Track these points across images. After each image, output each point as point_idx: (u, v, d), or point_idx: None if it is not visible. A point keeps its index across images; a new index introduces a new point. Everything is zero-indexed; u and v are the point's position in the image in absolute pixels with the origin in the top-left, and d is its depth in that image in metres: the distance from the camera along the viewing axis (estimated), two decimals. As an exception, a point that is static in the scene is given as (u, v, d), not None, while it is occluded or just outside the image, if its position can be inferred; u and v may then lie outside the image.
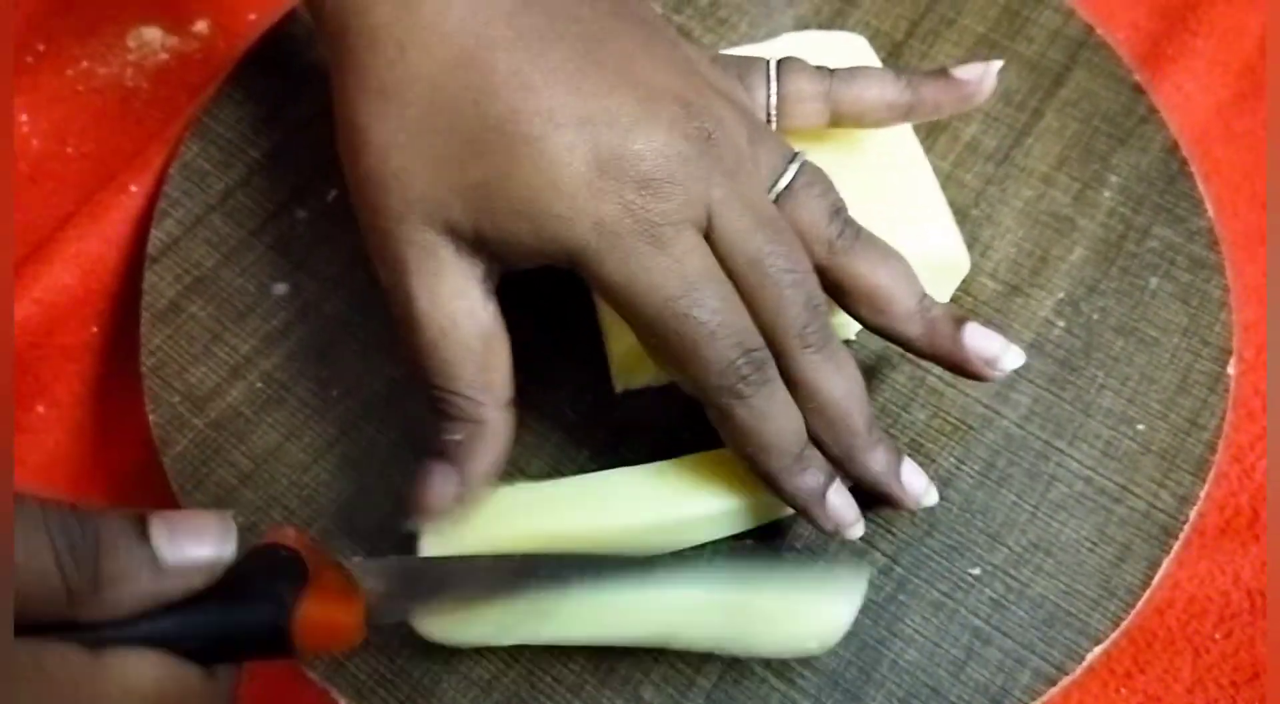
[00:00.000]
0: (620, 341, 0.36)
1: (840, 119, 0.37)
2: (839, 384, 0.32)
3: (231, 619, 0.25)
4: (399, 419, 0.38)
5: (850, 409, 0.32)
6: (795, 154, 0.33)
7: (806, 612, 0.31)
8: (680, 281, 0.30)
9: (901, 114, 0.37)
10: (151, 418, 0.38)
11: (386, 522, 0.36)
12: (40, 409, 0.42)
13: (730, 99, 0.33)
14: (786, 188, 0.32)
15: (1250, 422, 0.42)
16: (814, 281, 0.32)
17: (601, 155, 0.29)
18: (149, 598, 0.23)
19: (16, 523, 0.21)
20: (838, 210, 0.33)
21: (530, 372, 0.39)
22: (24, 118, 0.49)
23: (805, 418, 0.32)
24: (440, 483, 0.32)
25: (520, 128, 0.29)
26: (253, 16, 0.52)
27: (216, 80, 0.46)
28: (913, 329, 0.33)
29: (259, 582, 0.25)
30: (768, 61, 0.36)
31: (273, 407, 0.38)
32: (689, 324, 0.30)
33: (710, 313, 0.30)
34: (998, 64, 0.37)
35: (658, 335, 0.30)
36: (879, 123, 0.37)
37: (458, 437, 0.32)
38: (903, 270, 0.33)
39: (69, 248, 0.43)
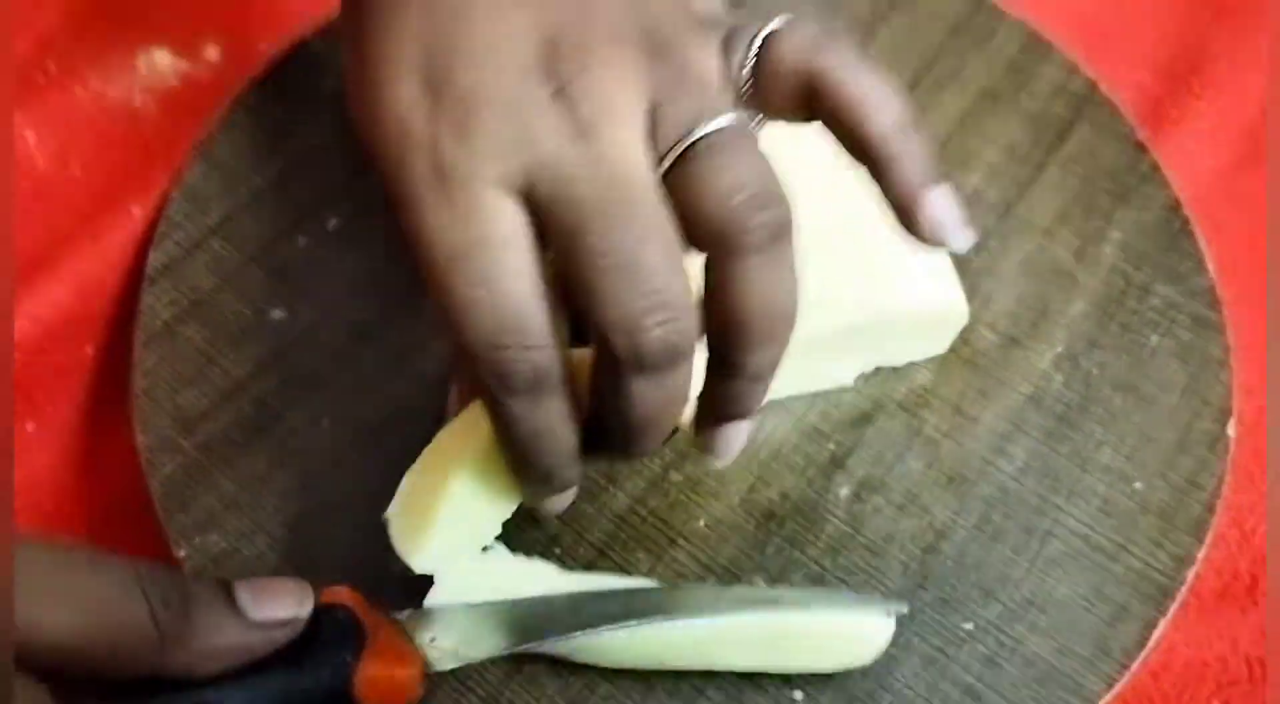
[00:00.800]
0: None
1: (816, 109, 0.31)
2: (659, 407, 0.28)
3: (298, 685, 0.26)
4: (390, 452, 0.37)
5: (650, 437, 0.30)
6: (724, 113, 0.27)
7: (850, 626, 0.32)
8: (451, 243, 0.26)
9: (876, 139, 0.30)
10: (140, 439, 0.38)
11: (373, 556, 0.35)
12: (30, 427, 0.41)
13: (660, 52, 0.28)
14: (684, 153, 0.27)
15: (1249, 485, 0.42)
16: (676, 285, 0.26)
17: (437, 70, 0.27)
18: (237, 651, 0.25)
19: (108, 577, 0.23)
20: (754, 190, 0.27)
21: (524, 407, 0.39)
22: (30, 135, 0.49)
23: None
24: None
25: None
26: (264, 46, 0.52)
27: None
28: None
29: (320, 645, 0.27)
30: (761, 25, 0.30)
31: (263, 433, 0.38)
32: (447, 294, 0.26)
33: (472, 286, 0.26)
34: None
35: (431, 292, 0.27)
36: (851, 132, 0.31)
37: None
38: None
39: (67, 267, 0.43)
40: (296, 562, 0.35)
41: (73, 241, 0.44)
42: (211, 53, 0.52)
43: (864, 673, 0.34)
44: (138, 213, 0.44)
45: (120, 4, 0.53)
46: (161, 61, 0.51)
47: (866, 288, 0.37)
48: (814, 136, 0.40)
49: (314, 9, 0.53)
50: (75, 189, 0.47)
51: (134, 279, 0.43)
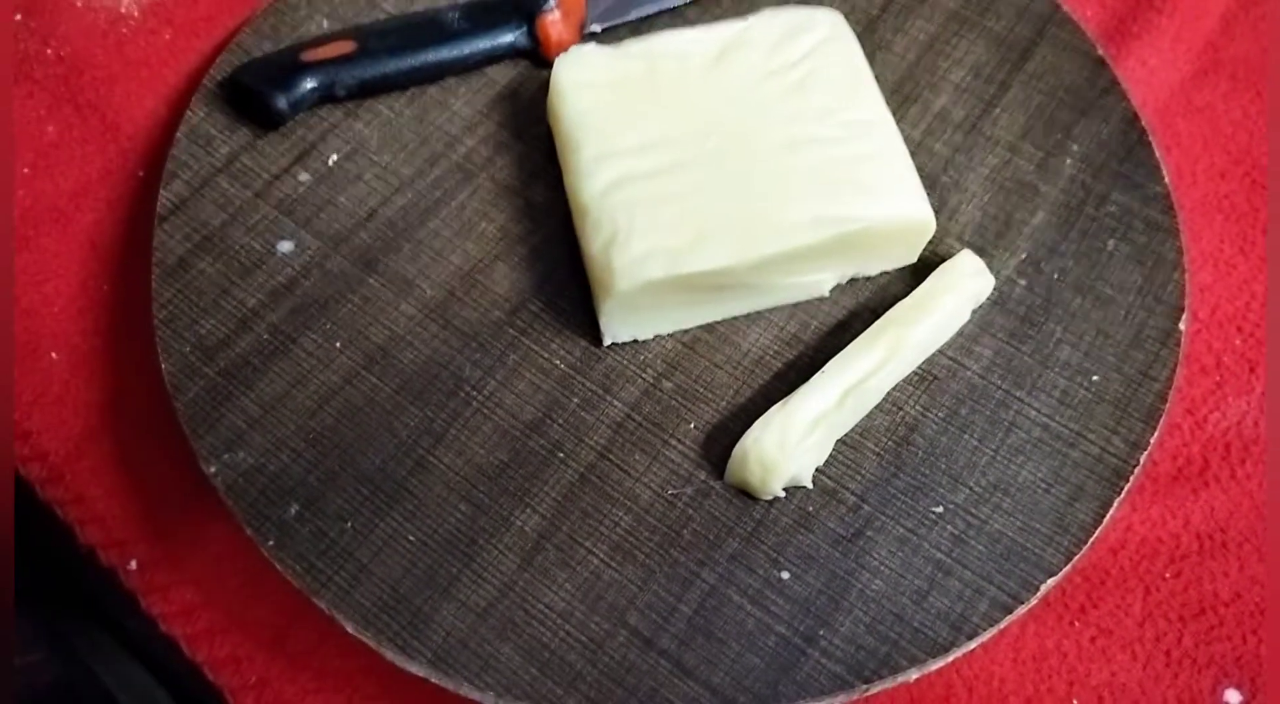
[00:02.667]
0: (607, 292, 0.38)
1: None
2: None
3: None
4: (398, 369, 0.40)
5: None
6: None
7: None
8: None
9: None
10: (164, 366, 0.40)
11: (388, 464, 0.38)
12: (53, 355, 0.44)
13: None
14: None
15: (1204, 377, 0.45)
16: None
17: None
18: None
19: None
20: None
21: (523, 326, 0.41)
22: (19, 17, 0.50)
23: None
24: None
25: None
26: None
27: (204, 22, 0.48)
28: None
29: None
30: None
31: (279, 357, 0.40)
32: None
33: None
34: None
35: None
36: None
37: None
38: None
39: (81, 216, 0.45)
40: (318, 475, 0.38)
41: (81, 189, 0.46)
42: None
43: (843, 552, 0.37)
44: (127, 145, 0.46)
45: None
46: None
47: (838, 204, 0.39)
48: (782, 64, 0.42)
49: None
50: (51, 72, 0.49)
51: (142, 220, 0.45)
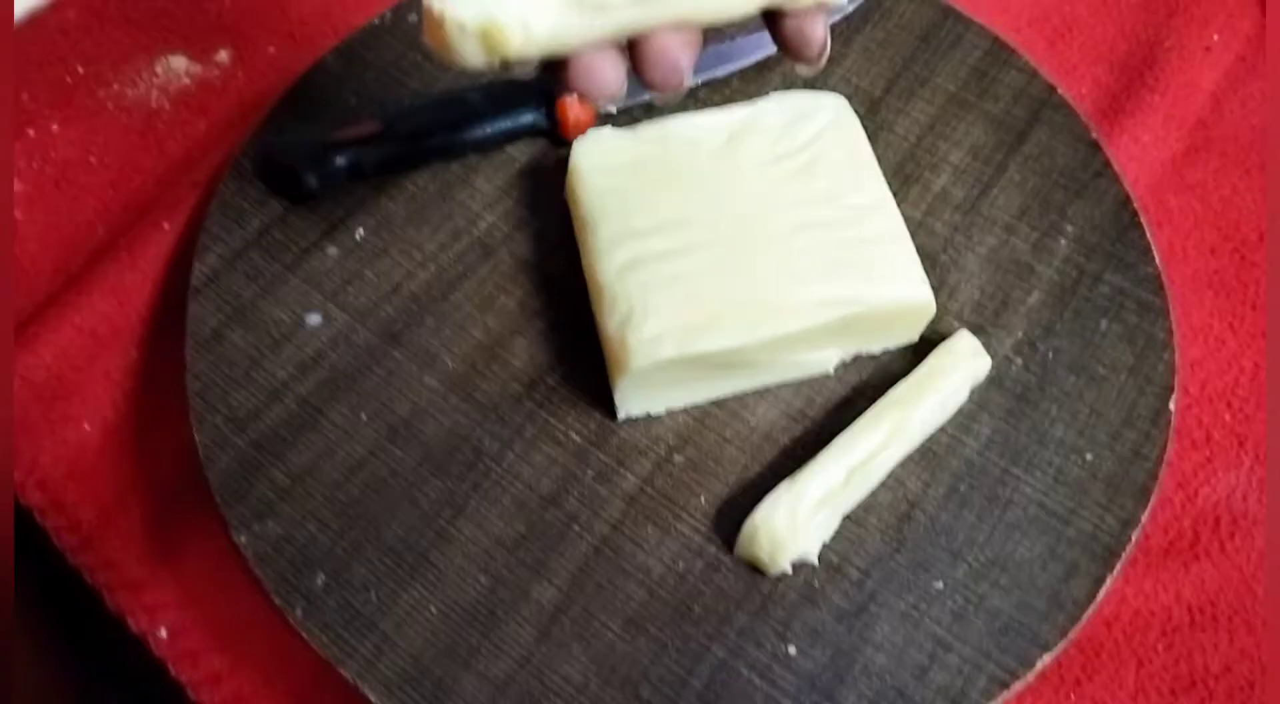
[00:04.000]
0: (621, 370, 0.40)
1: None
2: None
3: None
4: (421, 441, 0.42)
5: None
6: None
7: None
8: None
9: None
10: (198, 437, 0.42)
11: (411, 536, 0.40)
12: (86, 426, 0.45)
13: None
14: None
15: (1194, 451, 0.46)
16: None
17: None
18: None
19: None
20: None
21: (540, 399, 0.43)
22: (55, 128, 0.54)
23: None
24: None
25: None
26: (272, 50, 0.56)
27: (237, 108, 0.51)
28: None
29: None
30: None
31: (307, 428, 0.42)
32: None
33: None
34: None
35: None
36: None
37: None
38: None
39: (108, 280, 0.47)
40: (344, 546, 0.40)
41: (111, 255, 0.48)
42: (222, 55, 0.56)
43: (848, 628, 0.38)
44: (169, 228, 0.48)
45: (139, 10, 0.57)
46: (177, 65, 0.56)
47: (843, 287, 0.41)
48: (789, 148, 0.44)
49: (318, 12, 0.57)
50: (95, 178, 0.52)
51: (171, 289, 0.47)
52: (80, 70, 0.56)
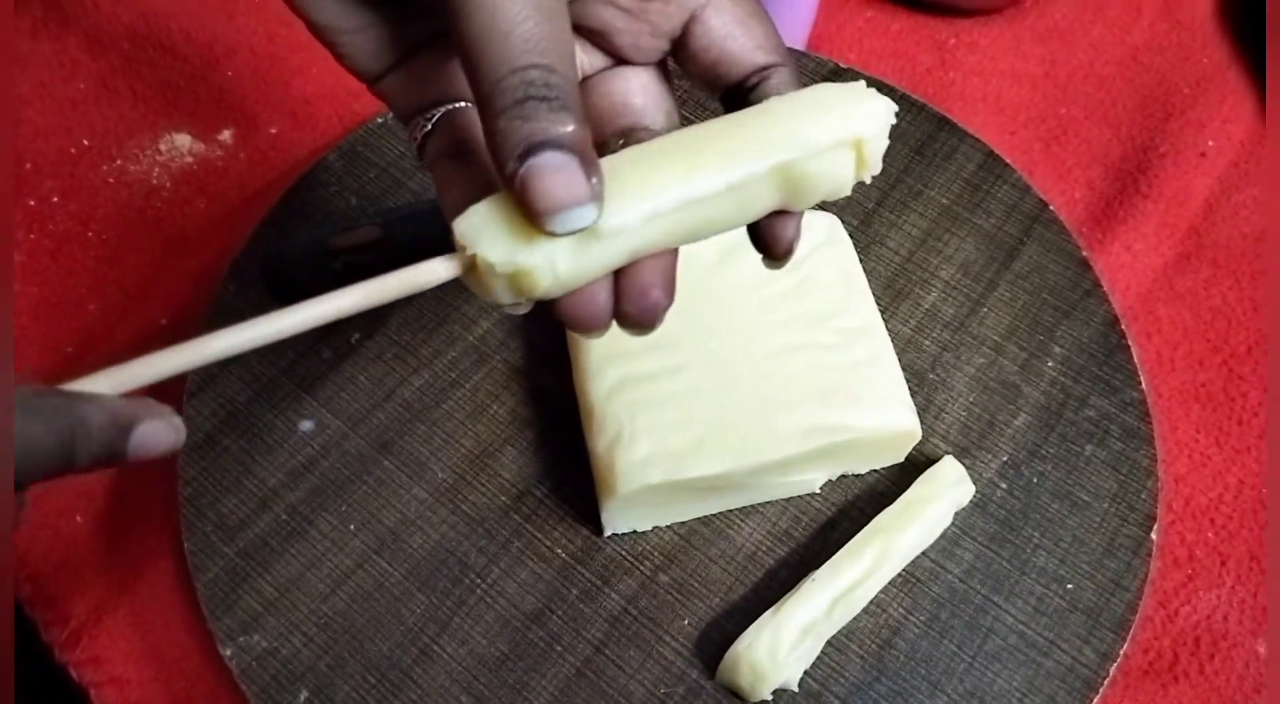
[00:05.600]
0: (609, 492, 0.41)
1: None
2: None
3: None
4: (407, 553, 0.42)
5: None
6: None
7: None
8: None
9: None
10: (187, 545, 0.42)
11: (395, 652, 0.40)
12: (78, 518, 0.46)
13: None
14: None
15: (1176, 569, 0.47)
16: None
17: None
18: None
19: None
20: None
21: (528, 512, 0.43)
22: (55, 199, 0.54)
23: None
24: (568, 175, 0.25)
25: None
26: (274, 130, 0.57)
27: (237, 191, 0.51)
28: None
29: None
30: None
31: (296, 538, 0.42)
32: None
33: None
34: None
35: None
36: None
37: (569, 126, 0.25)
38: None
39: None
40: (328, 661, 0.40)
41: (108, 351, 0.49)
42: (225, 134, 0.57)
43: (825, 761, 0.39)
44: (166, 323, 0.49)
45: (147, 86, 0.57)
46: (181, 143, 0.56)
47: (831, 414, 0.42)
48: (775, 272, 0.45)
49: (322, 91, 0.58)
50: (90, 253, 0.53)
51: (166, 386, 0.47)
52: (85, 143, 0.57)
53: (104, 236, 0.53)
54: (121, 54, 0.59)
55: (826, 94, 0.28)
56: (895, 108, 0.28)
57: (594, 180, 0.26)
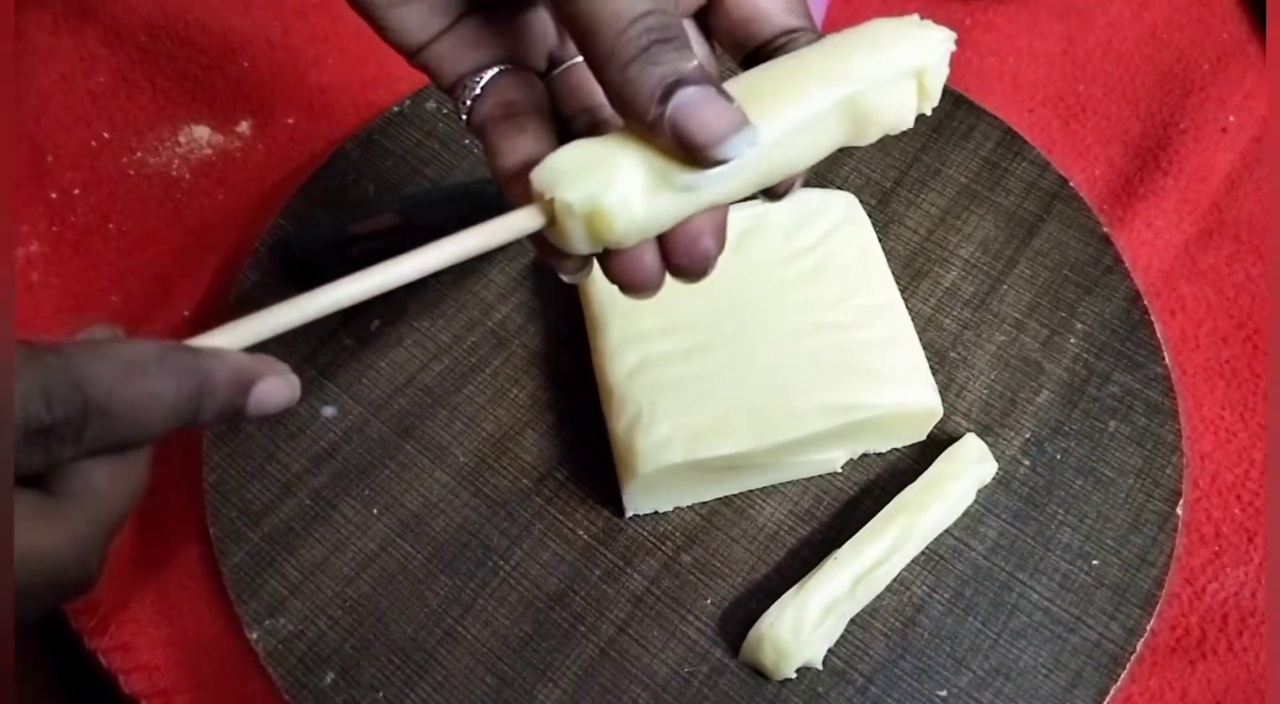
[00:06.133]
0: (630, 472, 0.41)
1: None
2: None
3: None
4: (430, 536, 0.42)
5: None
6: None
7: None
8: None
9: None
10: (212, 530, 0.42)
11: (419, 634, 0.40)
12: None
13: None
14: None
15: (1203, 546, 0.46)
16: None
17: None
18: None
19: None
20: None
21: (549, 494, 0.43)
22: (77, 191, 0.55)
23: None
24: (716, 106, 0.26)
25: None
26: (291, 120, 0.57)
27: (256, 181, 0.51)
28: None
29: None
30: None
31: (320, 522, 0.43)
32: None
33: None
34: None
35: None
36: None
37: (694, 61, 0.26)
38: None
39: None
40: (354, 643, 0.40)
41: (131, 336, 0.49)
42: (243, 126, 0.57)
43: (851, 738, 0.39)
44: (187, 314, 0.49)
45: (166, 78, 0.58)
46: (200, 134, 0.57)
47: (851, 392, 0.41)
48: (798, 248, 0.45)
49: (338, 82, 0.58)
50: (111, 245, 0.53)
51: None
52: (106, 135, 0.57)
53: (124, 228, 0.54)
54: (140, 47, 0.59)
55: (883, 28, 0.29)
56: (954, 36, 0.28)
57: (736, 104, 0.26)
